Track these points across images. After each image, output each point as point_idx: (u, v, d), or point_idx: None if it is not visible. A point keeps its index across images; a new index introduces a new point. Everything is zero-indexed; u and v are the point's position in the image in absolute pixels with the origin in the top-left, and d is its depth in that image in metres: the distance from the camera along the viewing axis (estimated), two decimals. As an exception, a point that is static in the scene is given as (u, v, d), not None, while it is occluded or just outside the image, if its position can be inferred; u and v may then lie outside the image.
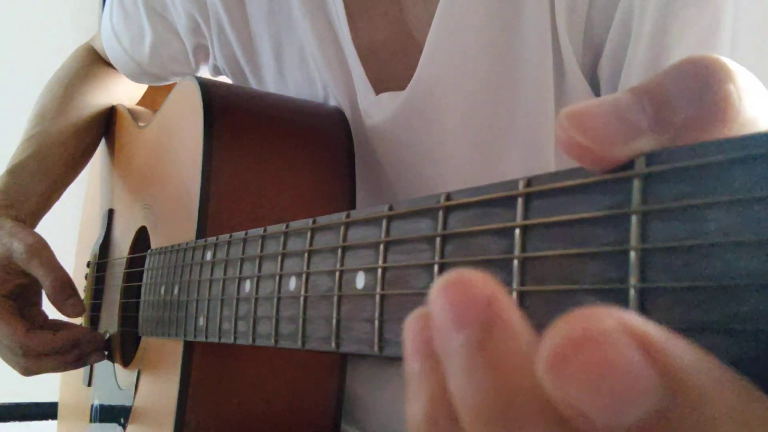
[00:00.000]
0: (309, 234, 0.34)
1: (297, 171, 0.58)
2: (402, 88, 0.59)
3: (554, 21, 0.52)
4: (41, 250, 0.70)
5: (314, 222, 0.34)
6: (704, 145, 0.17)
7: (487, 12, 0.54)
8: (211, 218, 0.54)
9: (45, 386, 0.98)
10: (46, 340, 0.69)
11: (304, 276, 0.34)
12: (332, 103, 0.65)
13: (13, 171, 0.79)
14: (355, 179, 0.61)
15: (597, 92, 0.54)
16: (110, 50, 0.84)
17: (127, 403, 0.65)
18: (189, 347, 0.53)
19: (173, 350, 0.55)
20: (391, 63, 0.61)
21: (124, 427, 0.65)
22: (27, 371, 0.71)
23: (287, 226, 0.37)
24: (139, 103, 0.95)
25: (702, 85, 0.18)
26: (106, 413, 0.72)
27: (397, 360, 0.31)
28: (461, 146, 0.58)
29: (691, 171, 0.17)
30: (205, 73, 0.79)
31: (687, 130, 0.18)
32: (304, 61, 0.66)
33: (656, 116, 0.18)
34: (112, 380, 0.72)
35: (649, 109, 0.18)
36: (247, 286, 0.41)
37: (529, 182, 0.22)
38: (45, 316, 0.74)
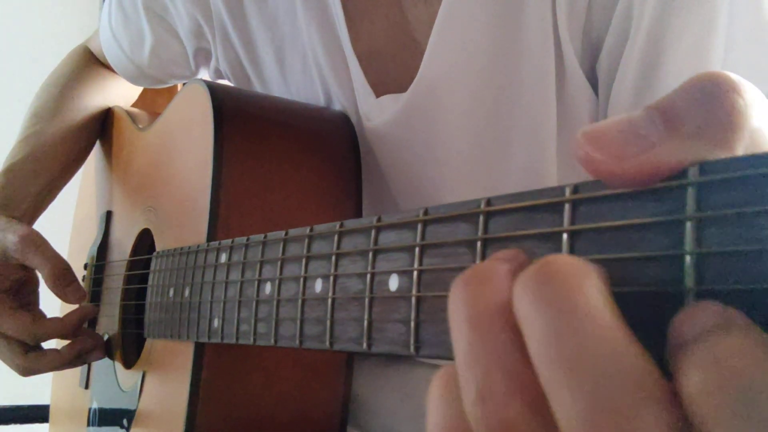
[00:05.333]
0: (336, 237, 0.35)
1: (305, 174, 0.59)
2: (403, 89, 0.59)
3: (555, 19, 0.53)
4: (35, 239, 0.70)
5: (341, 225, 0.35)
6: (756, 156, 0.18)
7: (489, 11, 0.55)
8: (221, 220, 0.54)
9: (41, 389, 0.98)
10: (56, 324, 0.69)
11: (331, 278, 0.35)
12: (335, 107, 0.66)
13: (9, 171, 0.79)
14: (362, 182, 0.62)
15: (596, 91, 0.55)
16: (109, 53, 0.84)
17: (131, 405, 0.65)
18: (200, 347, 0.53)
19: (182, 351, 0.55)
20: (392, 65, 0.62)
21: (127, 429, 0.65)
22: (26, 371, 0.71)
23: (311, 230, 0.38)
24: (135, 105, 0.95)
25: (709, 96, 0.20)
26: (106, 417, 0.72)
27: (418, 360, 0.32)
28: (463, 145, 0.59)
29: (745, 180, 0.18)
30: (204, 75, 0.79)
31: (698, 139, 0.19)
32: (307, 66, 0.67)
33: (666, 128, 0.20)
34: (112, 382, 0.72)
35: (660, 123, 0.20)
36: (268, 288, 0.41)
37: (576, 189, 0.23)
38: (43, 314, 0.74)
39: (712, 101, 0.20)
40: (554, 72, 0.54)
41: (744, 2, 0.48)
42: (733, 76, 0.20)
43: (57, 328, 0.69)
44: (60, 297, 0.70)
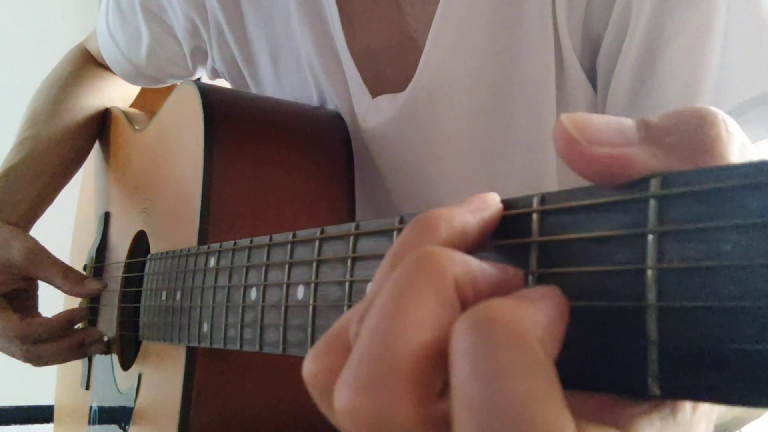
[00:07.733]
0: (317, 244, 0.35)
1: (297, 175, 0.59)
2: (400, 89, 0.59)
3: (555, 18, 0.52)
4: (40, 252, 0.72)
5: (322, 232, 0.35)
6: (720, 169, 0.17)
7: (488, 10, 0.54)
8: (212, 223, 0.54)
9: (43, 389, 0.98)
10: (42, 323, 0.71)
11: (312, 285, 0.35)
12: (329, 108, 0.66)
13: (5, 175, 0.79)
14: (355, 183, 0.61)
15: (596, 88, 0.54)
16: (106, 52, 0.83)
17: (128, 406, 0.65)
18: (192, 350, 0.53)
19: (176, 353, 0.55)
20: (389, 65, 0.61)
21: (125, 430, 0.65)
22: (29, 359, 0.72)
23: (294, 236, 0.37)
24: (133, 105, 0.95)
25: (699, 120, 0.20)
26: (106, 415, 0.73)
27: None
28: (462, 144, 0.59)
29: (707, 194, 0.17)
30: (202, 75, 0.79)
31: (675, 154, 0.20)
32: (300, 66, 0.66)
33: (648, 134, 0.20)
34: (111, 383, 0.72)
35: (644, 129, 0.21)
36: (253, 293, 0.41)
37: (543, 199, 0.22)
38: (38, 315, 0.75)
39: (700, 126, 0.20)
40: (554, 70, 0.53)
41: (743, 1, 0.47)
42: (720, 111, 0.21)
43: (45, 327, 0.71)
44: (82, 296, 0.73)
